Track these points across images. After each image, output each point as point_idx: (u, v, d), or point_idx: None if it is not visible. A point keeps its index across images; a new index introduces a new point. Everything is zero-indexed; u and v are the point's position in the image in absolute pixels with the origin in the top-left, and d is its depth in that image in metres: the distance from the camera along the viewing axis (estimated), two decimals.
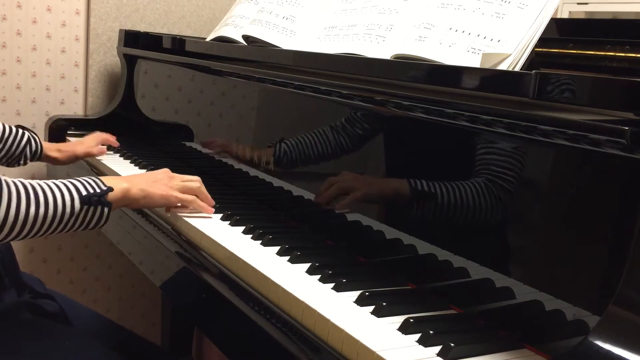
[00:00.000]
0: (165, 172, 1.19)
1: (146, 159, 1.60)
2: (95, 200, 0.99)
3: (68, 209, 0.97)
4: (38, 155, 1.47)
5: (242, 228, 1.14)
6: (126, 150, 1.68)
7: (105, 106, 1.97)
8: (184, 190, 1.17)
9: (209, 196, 1.20)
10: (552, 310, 0.79)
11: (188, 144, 1.63)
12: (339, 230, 1.11)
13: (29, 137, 1.44)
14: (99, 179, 1.04)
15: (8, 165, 1.44)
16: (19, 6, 1.83)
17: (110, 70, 1.99)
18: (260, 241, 1.08)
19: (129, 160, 1.62)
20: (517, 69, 0.94)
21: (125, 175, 1.15)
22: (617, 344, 0.66)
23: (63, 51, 1.92)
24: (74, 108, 1.96)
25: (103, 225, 1.04)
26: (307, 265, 0.98)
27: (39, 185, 0.96)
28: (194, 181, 1.19)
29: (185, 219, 1.17)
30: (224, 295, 0.98)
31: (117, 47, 1.93)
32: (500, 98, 0.88)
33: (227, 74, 1.46)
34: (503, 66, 0.93)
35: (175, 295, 1.27)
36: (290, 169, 1.27)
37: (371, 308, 0.85)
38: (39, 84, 1.90)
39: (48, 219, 0.95)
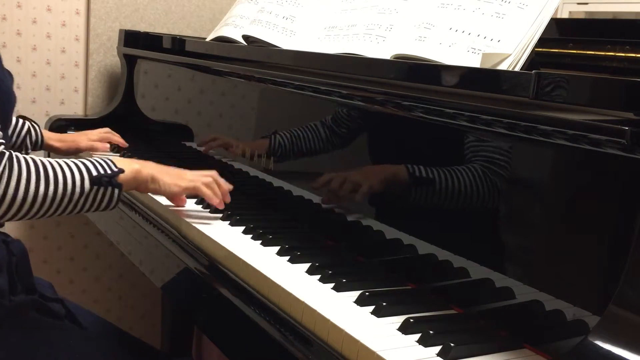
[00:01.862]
0: (181, 169, 1.19)
1: (146, 159, 1.60)
2: (106, 181, 0.99)
3: (78, 189, 0.96)
4: (39, 145, 1.47)
5: (242, 228, 1.14)
6: (126, 150, 1.68)
7: (106, 106, 1.97)
8: (194, 180, 1.16)
9: (224, 187, 1.18)
10: (552, 310, 0.79)
11: (188, 144, 1.63)
12: (339, 230, 1.11)
13: (29, 127, 1.45)
14: (111, 160, 1.04)
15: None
16: (19, 6, 1.83)
17: (110, 70, 1.99)
18: (260, 241, 1.08)
19: None
20: (517, 69, 0.94)
21: (139, 160, 1.16)
22: (617, 344, 0.66)
23: (63, 51, 1.92)
24: (74, 108, 1.96)
25: (114, 207, 1.03)
26: (307, 265, 0.98)
27: (50, 163, 0.95)
28: (207, 176, 1.18)
29: (186, 219, 1.17)
30: (224, 295, 0.98)
31: (117, 47, 1.93)
32: (500, 98, 0.88)
33: (227, 74, 1.46)
34: (503, 66, 0.93)
35: (175, 295, 1.27)
36: (286, 164, 1.27)
37: (371, 308, 0.85)
38: (39, 83, 1.90)
39: (57, 197, 0.94)
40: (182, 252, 1.13)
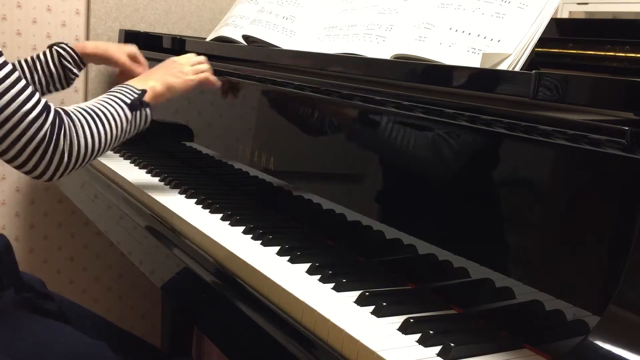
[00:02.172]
0: (172, 61, 1.28)
1: (146, 159, 1.61)
2: (139, 105, 1.12)
3: (124, 119, 1.09)
4: (80, 62, 1.45)
5: (242, 228, 1.14)
6: (126, 150, 1.68)
7: None
8: (197, 72, 1.29)
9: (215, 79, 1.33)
10: (552, 310, 0.79)
11: (188, 144, 1.63)
12: (339, 230, 1.11)
13: (57, 52, 1.41)
14: (130, 85, 1.15)
15: (64, 87, 1.45)
16: (19, 6, 1.83)
17: (110, 70, 1.99)
18: (260, 241, 1.08)
19: (128, 161, 1.63)
20: (517, 69, 0.94)
21: (143, 75, 1.26)
22: (617, 343, 0.66)
23: None
24: None
25: (149, 124, 1.17)
26: (307, 265, 0.98)
27: (92, 105, 1.06)
28: (202, 62, 1.32)
29: (186, 219, 1.17)
30: (224, 295, 0.98)
31: None
32: (500, 98, 0.88)
33: (227, 74, 1.46)
34: (503, 66, 0.93)
35: (175, 295, 1.27)
36: (286, 164, 1.27)
37: (371, 308, 0.85)
38: None
39: (113, 132, 1.07)
40: (182, 253, 1.13)
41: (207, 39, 1.61)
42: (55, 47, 1.43)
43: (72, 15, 1.91)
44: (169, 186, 1.40)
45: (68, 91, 1.93)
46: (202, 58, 1.32)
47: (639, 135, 0.69)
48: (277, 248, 1.05)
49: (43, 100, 0.98)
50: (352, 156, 1.12)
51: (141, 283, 2.16)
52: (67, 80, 1.44)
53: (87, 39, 1.93)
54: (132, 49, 1.50)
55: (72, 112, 1.02)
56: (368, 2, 1.21)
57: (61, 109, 1.01)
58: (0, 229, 1.89)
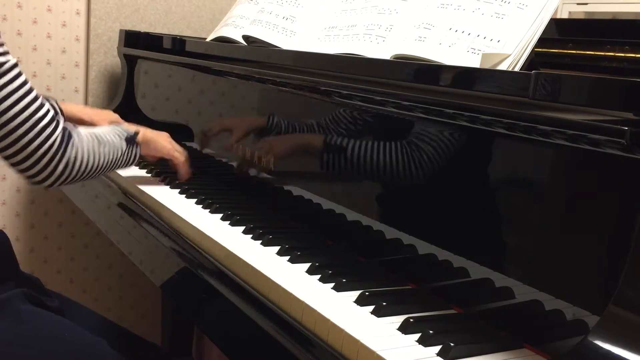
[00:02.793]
0: (165, 133, 1.40)
1: (146, 159, 1.60)
2: (133, 141, 1.21)
3: (121, 149, 1.18)
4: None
5: (242, 228, 1.14)
6: None
7: (106, 106, 1.97)
8: (177, 148, 1.39)
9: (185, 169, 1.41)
10: (552, 310, 0.79)
11: (188, 144, 1.63)
12: (339, 230, 1.12)
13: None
14: (121, 127, 1.23)
15: None
16: (19, 6, 1.83)
17: (110, 70, 1.99)
18: (260, 241, 1.08)
19: None
20: (517, 69, 0.94)
21: (133, 126, 1.34)
22: (617, 343, 0.67)
23: (63, 51, 1.92)
24: None
25: (135, 162, 1.26)
26: (307, 265, 0.98)
27: (94, 131, 1.14)
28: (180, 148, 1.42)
29: (186, 219, 1.17)
30: (224, 295, 0.98)
31: (118, 48, 1.93)
32: (499, 98, 0.88)
33: (228, 74, 1.46)
34: (503, 66, 0.93)
35: (175, 295, 1.27)
36: (286, 164, 1.27)
37: (371, 308, 0.85)
38: (39, 84, 1.90)
39: (111, 158, 1.15)
40: (182, 252, 1.13)
41: (207, 39, 1.61)
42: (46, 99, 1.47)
43: (73, 16, 1.91)
44: (169, 186, 1.40)
45: (68, 91, 1.94)
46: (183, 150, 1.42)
47: (638, 135, 0.70)
48: (277, 248, 1.05)
49: (52, 112, 1.04)
50: (352, 156, 1.12)
51: (141, 283, 2.16)
52: None
53: (88, 39, 1.94)
54: (114, 117, 1.57)
55: (81, 130, 1.10)
56: (368, 3, 1.21)
57: (70, 125, 1.08)
58: (0, 228, 1.89)
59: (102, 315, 1.36)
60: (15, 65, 0.99)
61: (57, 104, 1.46)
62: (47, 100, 1.46)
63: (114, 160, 1.15)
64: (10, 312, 1.05)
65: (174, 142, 1.40)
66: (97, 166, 1.11)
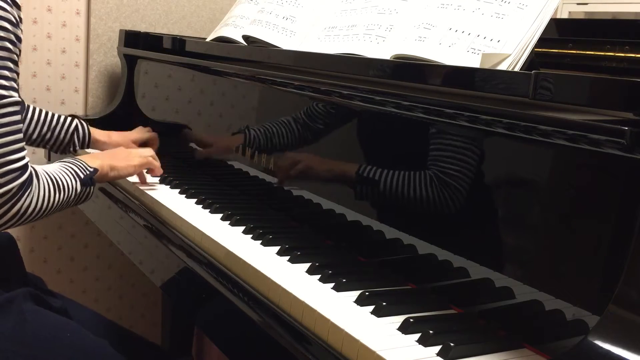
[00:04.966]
0: (121, 149, 1.38)
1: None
2: (90, 181, 1.17)
3: (74, 192, 1.13)
4: (87, 143, 1.53)
5: (242, 228, 1.14)
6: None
7: (106, 106, 1.97)
8: (141, 157, 1.36)
9: (159, 166, 1.39)
10: (551, 310, 0.79)
11: (188, 144, 1.63)
12: (339, 230, 1.12)
13: (76, 124, 1.50)
14: (82, 162, 1.19)
15: (61, 153, 1.52)
16: None
17: (110, 70, 1.99)
18: (260, 241, 1.08)
19: None
20: (517, 69, 0.94)
21: (91, 154, 1.33)
22: (617, 343, 0.67)
23: (63, 51, 1.92)
24: (75, 108, 1.96)
25: (89, 199, 1.21)
26: (307, 265, 0.98)
27: (53, 173, 1.11)
28: (149, 151, 1.40)
29: (186, 219, 1.17)
30: (224, 295, 0.98)
31: (118, 48, 1.93)
32: (499, 98, 0.88)
33: (227, 74, 1.46)
34: (503, 66, 0.94)
35: (175, 295, 1.27)
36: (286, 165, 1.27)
37: (371, 308, 0.85)
38: (39, 84, 1.90)
39: (63, 202, 1.11)
40: (182, 252, 1.13)
41: (207, 39, 1.61)
42: (77, 119, 1.52)
43: (73, 16, 1.91)
44: (169, 186, 1.40)
45: (68, 91, 1.94)
46: (148, 149, 1.41)
47: (638, 135, 0.70)
48: (277, 248, 1.05)
49: (26, 160, 1.02)
50: (352, 156, 1.12)
51: (141, 283, 2.16)
52: (62, 149, 1.51)
53: (88, 39, 1.94)
54: (138, 135, 1.60)
55: (41, 175, 1.06)
56: (368, 3, 1.21)
57: (33, 169, 1.05)
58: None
59: (103, 316, 1.37)
60: (11, 104, 0.98)
61: (88, 127, 1.52)
62: (78, 118, 1.51)
63: (65, 203, 1.12)
64: (14, 311, 1.05)
65: (134, 152, 1.37)
66: (47, 211, 1.08)
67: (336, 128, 1.16)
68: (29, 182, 1.02)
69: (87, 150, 1.54)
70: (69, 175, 1.13)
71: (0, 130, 0.97)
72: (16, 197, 1.00)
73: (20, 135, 1.01)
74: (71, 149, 1.50)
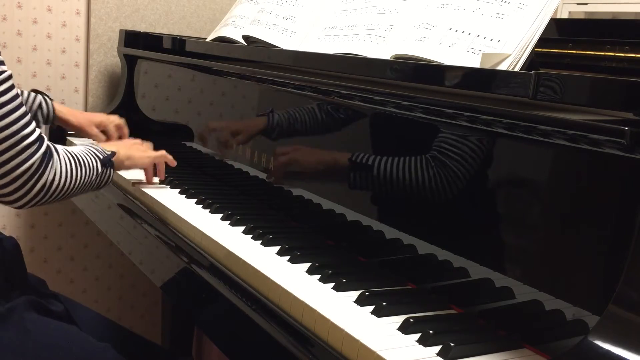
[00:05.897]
0: (136, 141, 1.39)
1: None
2: (109, 162, 1.18)
3: (96, 171, 1.14)
4: (51, 119, 1.51)
5: (242, 228, 1.14)
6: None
7: (106, 106, 1.97)
8: (155, 152, 1.38)
9: (172, 159, 1.41)
10: (551, 310, 0.79)
11: (188, 144, 1.63)
12: (339, 230, 1.12)
13: (40, 100, 1.48)
14: (99, 146, 1.20)
15: None
16: (19, 6, 1.83)
17: (110, 70, 1.99)
18: (260, 241, 1.08)
19: None
20: (517, 69, 0.94)
21: (107, 142, 1.39)
22: (617, 343, 0.67)
23: (63, 51, 1.92)
24: (74, 108, 1.96)
25: (108, 185, 1.22)
26: (307, 265, 0.98)
27: (73, 151, 1.11)
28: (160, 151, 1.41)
29: (186, 219, 1.17)
30: (224, 295, 0.98)
31: (118, 48, 1.94)
32: (499, 98, 0.88)
33: (227, 74, 1.46)
34: (503, 66, 0.94)
35: (175, 295, 1.27)
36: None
37: (371, 308, 0.85)
38: (39, 84, 1.90)
39: (86, 179, 1.11)
40: (183, 252, 1.13)
41: (207, 39, 1.61)
42: (40, 95, 1.50)
43: (73, 16, 1.91)
44: (169, 186, 1.40)
45: (68, 91, 1.94)
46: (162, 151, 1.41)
47: (638, 135, 0.70)
48: (277, 248, 1.05)
49: (39, 130, 1.01)
50: (352, 156, 1.12)
51: (141, 283, 2.16)
52: None
53: (88, 39, 1.94)
54: (103, 119, 1.58)
55: (60, 150, 1.06)
56: (368, 3, 1.21)
57: (51, 144, 1.04)
58: (0, 228, 1.89)
59: (104, 317, 1.36)
60: (9, 77, 0.97)
61: (52, 103, 1.49)
62: (42, 94, 1.48)
63: (88, 183, 1.12)
64: (15, 321, 1.05)
65: (149, 145, 1.38)
66: (72, 189, 1.07)
67: (334, 126, 1.16)
68: (49, 154, 1.01)
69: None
70: (88, 155, 1.13)
71: (9, 106, 0.96)
72: (40, 171, 0.99)
73: (24, 109, 0.99)
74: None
